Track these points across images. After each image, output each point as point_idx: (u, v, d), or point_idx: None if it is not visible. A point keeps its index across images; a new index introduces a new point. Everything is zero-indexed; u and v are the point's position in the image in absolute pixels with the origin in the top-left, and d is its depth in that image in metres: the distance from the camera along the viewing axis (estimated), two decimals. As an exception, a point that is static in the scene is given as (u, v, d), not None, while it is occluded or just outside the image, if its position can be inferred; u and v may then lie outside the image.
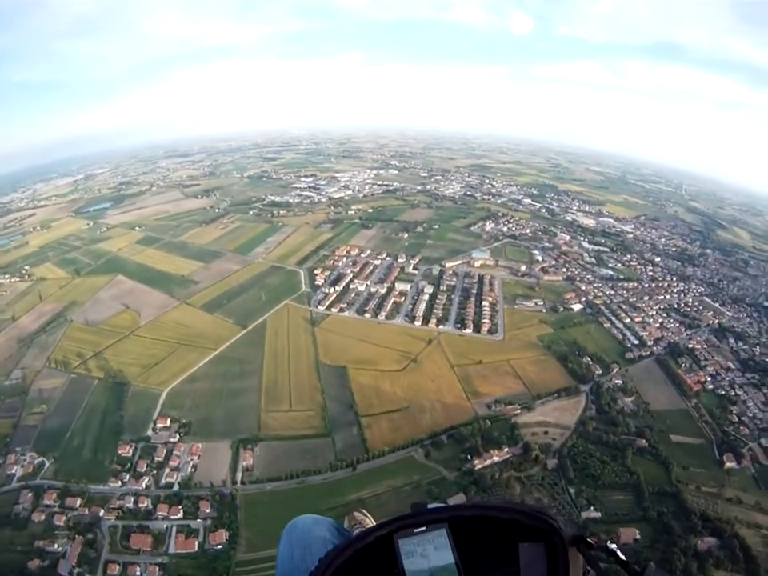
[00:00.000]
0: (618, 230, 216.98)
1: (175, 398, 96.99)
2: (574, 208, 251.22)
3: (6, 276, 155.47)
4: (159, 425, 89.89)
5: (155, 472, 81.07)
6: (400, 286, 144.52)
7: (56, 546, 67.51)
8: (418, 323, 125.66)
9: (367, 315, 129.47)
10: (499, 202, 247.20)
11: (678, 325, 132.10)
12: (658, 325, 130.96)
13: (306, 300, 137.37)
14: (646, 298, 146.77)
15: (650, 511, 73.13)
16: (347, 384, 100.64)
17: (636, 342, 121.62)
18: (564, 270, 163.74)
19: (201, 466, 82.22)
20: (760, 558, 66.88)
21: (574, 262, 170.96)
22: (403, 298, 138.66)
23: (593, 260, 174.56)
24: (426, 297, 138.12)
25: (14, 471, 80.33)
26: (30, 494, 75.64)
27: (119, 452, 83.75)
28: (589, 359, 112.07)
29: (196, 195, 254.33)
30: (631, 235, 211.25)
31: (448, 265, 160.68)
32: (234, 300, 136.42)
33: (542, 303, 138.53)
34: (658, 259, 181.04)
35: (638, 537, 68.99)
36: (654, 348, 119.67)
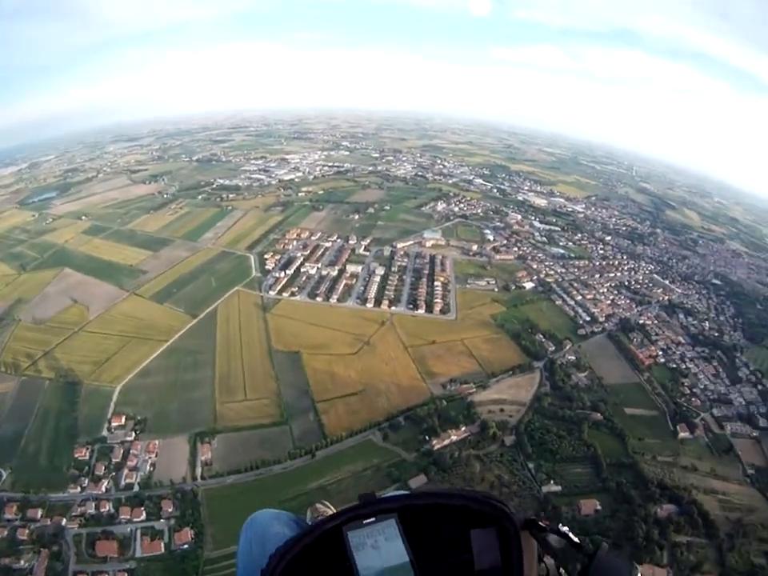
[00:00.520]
0: (569, 209, 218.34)
1: (129, 394, 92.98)
2: (526, 188, 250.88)
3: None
4: (114, 423, 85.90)
5: (114, 474, 77.59)
6: (351, 268, 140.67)
7: (22, 562, 63.84)
8: (370, 305, 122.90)
9: (319, 299, 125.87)
10: (451, 182, 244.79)
11: (628, 301, 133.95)
12: (609, 302, 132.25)
13: (256, 285, 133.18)
14: (597, 275, 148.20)
15: (609, 482, 73.96)
16: (301, 370, 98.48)
17: (588, 318, 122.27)
18: (515, 249, 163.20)
19: (159, 463, 79.32)
20: (718, 521, 68.77)
21: (526, 241, 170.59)
22: (354, 280, 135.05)
23: (544, 239, 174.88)
24: (378, 278, 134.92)
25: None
26: (-12, 509, 69.64)
27: (76, 456, 79.43)
28: (542, 336, 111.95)
29: (144, 181, 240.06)
30: (582, 215, 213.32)
31: (399, 246, 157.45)
32: (184, 288, 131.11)
33: (494, 282, 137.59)
34: (608, 238, 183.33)
35: (599, 507, 69.85)
36: (606, 324, 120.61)
